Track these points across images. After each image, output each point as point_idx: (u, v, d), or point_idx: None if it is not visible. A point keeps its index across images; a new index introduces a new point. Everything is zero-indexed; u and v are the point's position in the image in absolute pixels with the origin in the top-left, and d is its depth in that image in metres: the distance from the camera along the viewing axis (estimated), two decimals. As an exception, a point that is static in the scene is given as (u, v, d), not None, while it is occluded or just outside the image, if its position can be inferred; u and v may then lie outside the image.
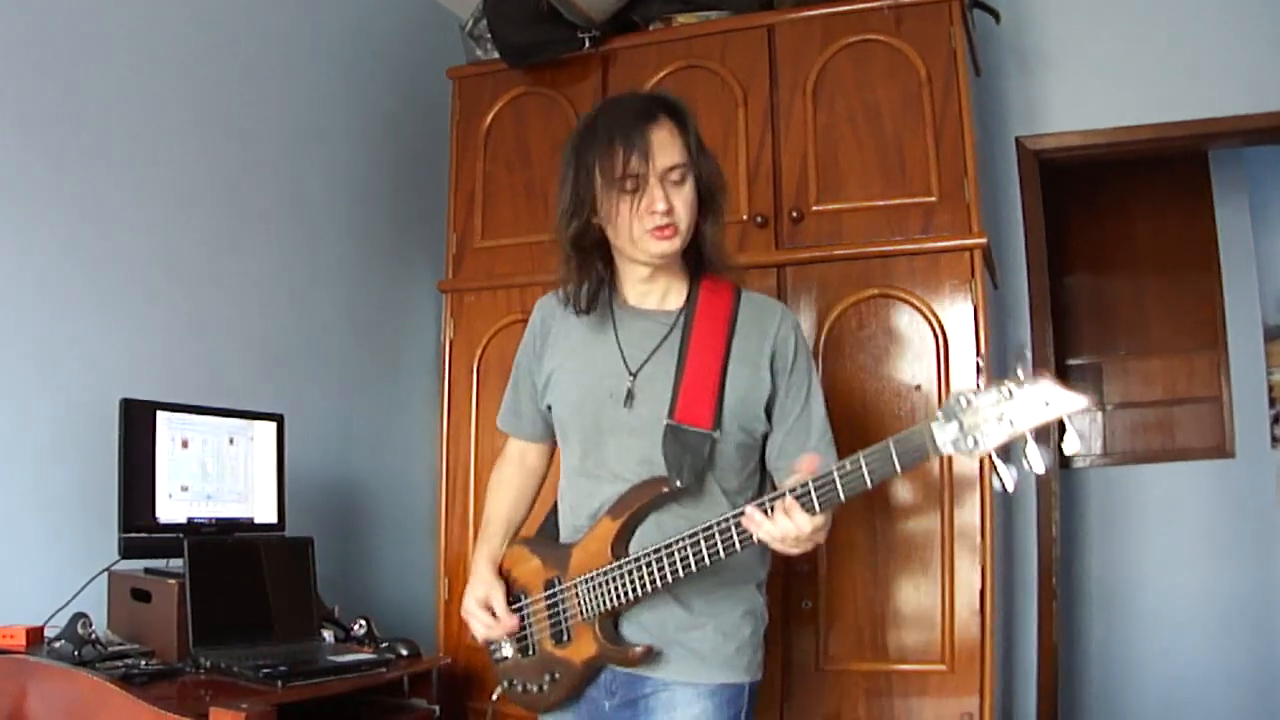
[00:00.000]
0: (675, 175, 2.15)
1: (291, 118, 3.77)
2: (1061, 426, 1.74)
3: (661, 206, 2.12)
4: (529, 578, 2.35)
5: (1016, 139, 4.20)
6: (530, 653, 2.33)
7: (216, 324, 3.40)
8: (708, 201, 2.23)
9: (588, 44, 3.64)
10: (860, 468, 1.89)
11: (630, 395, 2.21)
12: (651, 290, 2.29)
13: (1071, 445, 1.74)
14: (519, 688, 2.36)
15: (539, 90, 3.76)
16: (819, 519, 1.95)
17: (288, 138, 3.75)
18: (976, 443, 1.76)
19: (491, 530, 2.48)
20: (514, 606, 2.35)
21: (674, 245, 2.17)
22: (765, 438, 2.29)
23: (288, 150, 3.75)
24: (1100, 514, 5.22)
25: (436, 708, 3.03)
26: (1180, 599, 5.01)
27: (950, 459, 3.09)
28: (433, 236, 4.07)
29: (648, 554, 2.10)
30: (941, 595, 3.09)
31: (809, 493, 1.93)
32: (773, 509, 1.96)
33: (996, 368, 3.39)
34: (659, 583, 2.09)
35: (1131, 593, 5.10)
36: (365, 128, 4.13)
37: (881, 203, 3.28)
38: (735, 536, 2.02)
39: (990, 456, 1.78)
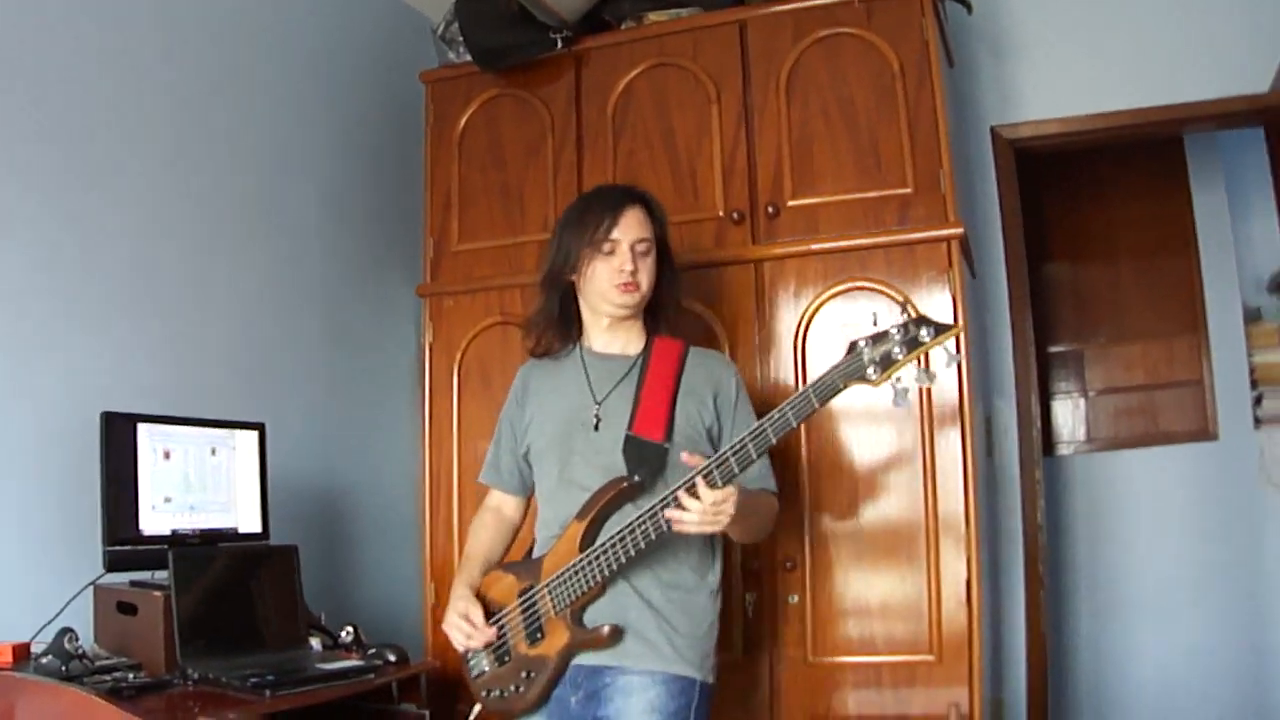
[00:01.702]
0: (642, 247, 2.64)
1: (266, 125, 3.77)
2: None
3: (629, 268, 2.61)
4: (503, 594, 2.62)
5: (992, 128, 4.22)
6: (506, 660, 2.59)
7: (195, 334, 3.39)
8: (669, 277, 2.74)
9: (560, 44, 3.64)
10: (745, 444, 2.27)
11: (598, 420, 2.61)
12: (614, 340, 2.72)
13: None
14: (498, 694, 2.61)
15: (512, 92, 3.76)
16: (720, 492, 2.27)
17: (262, 145, 3.74)
18: (874, 373, 2.18)
19: (470, 563, 2.75)
20: (493, 622, 2.60)
21: (635, 298, 2.64)
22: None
23: (263, 158, 3.74)
24: (1085, 500, 5.23)
25: (426, 713, 3.03)
26: (1167, 583, 5.02)
27: (933, 454, 3.13)
28: (409, 241, 4.07)
29: (607, 541, 2.41)
30: (928, 586, 3.10)
31: (711, 470, 2.27)
32: (676, 500, 2.29)
33: (978, 368, 3.40)
34: (620, 562, 2.40)
35: (1118, 578, 5.11)
36: (339, 133, 4.13)
37: (857, 195, 3.29)
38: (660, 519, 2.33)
39: (887, 381, 2.19)
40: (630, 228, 2.63)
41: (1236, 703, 4.73)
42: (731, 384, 2.68)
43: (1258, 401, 5.10)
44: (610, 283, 2.62)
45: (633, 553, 2.38)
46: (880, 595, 3.15)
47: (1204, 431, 5.19)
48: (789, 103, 3.40)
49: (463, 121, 3.81)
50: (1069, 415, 5.35)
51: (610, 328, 2.71)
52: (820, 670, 3.18)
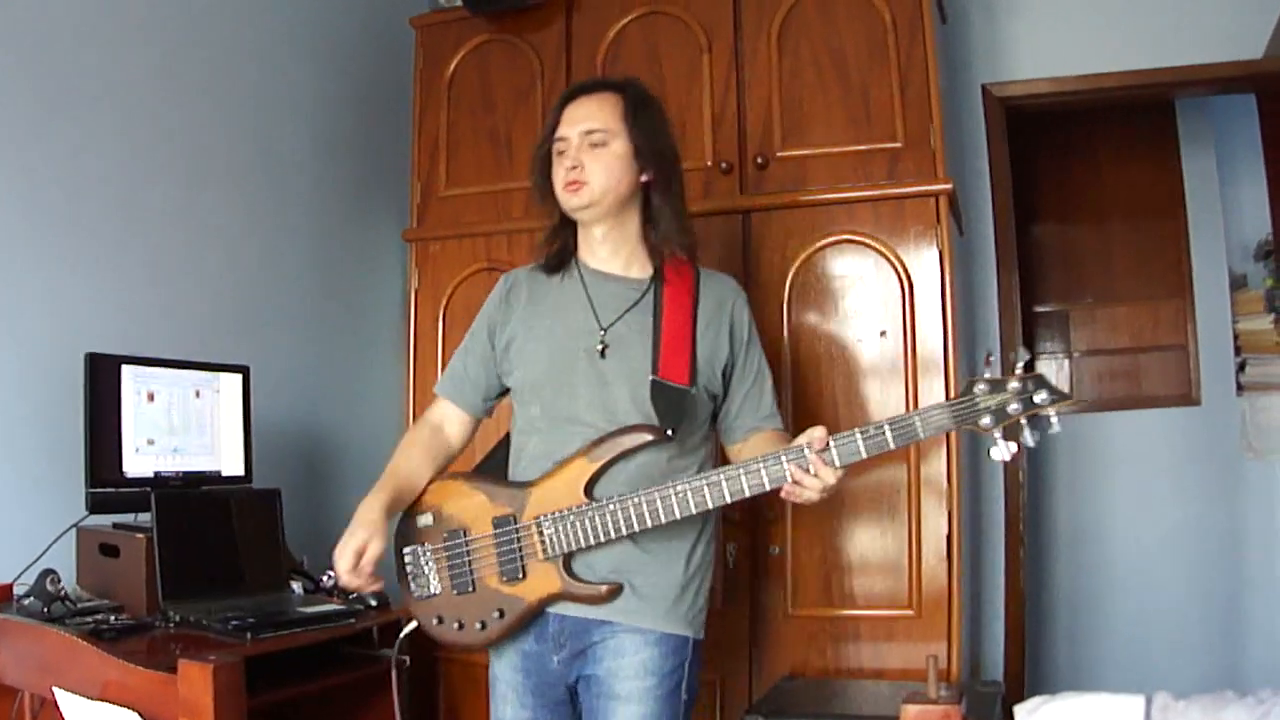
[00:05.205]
0: (594, 138, 2.38)
1: (254, 68, 3.74)
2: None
3: (569, 164, 2.38)
4: (471, 514, 2.40)
5: (983, 86, 4.20)
6: (469, 590, 2.37)
7: (181, 276, 3.38)
8: (655, 174, 2.44)
9: (551, -10, 3.62)
10: (884, 432, 2.16)
11: (605, 349, 2.37)
12: (614, 256, 2.47)
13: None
14: (453, 624, 2.39)
15: (502, 38, 3.73)
16: (840, 473, 2.19)
17: (250, 88, 3.72)
18: (989, 423, 2.11)
19: (393, 482, 2.46)
20: (452, 543, 2.39)
21: (581, 200, 2.38)
22: (714, 399, 2.49)
23: (251, 101, 3.72)
24: (1067, 461, 5.25)
25: (406, 658, 3.03)
26: (1147, 544, 5.05)
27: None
28: (397, 186, 4.05)
29: (637, 495, 2.23)
30: (909, 541, 3.12)
31: (830, 448, 2.17)
32: (808, 468, 2.18)
33: (963, 325, 3.41)
34: (646, 523, 2.23)
35: (1099, 538, 5.14)
36: (328, 77, 4.10)
37: (847, 148, 3.28)
38: (745, 485, 2.22)
39: (994, 432, 2.10)
40: (578, 118, 2.41)
41: (1211, 662, 4.77)
42: (744, 314, 2.51)
43: (1241, 368, 5.12)
44: (560, 183, 2.41)
45: (663, 519, 2.23)
46: (861, 550, 3.17)
47: (1187, 396, 5.21)
48: (780, 53, 3.39)
49: (452, 66, 3.78)
50: (1053, 376, 5.33)
51: (603, 241, 2.47)
52: (800, 622, 3.20)
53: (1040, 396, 2.08)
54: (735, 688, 3.24)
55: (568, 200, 2.40)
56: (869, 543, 3.16)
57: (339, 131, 4.14)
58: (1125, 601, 5.05)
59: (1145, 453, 5.21)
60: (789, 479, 2.19)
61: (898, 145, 3.23)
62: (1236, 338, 5.15)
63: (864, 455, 2.16)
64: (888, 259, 3.18)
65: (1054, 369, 5.38)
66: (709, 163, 3.39)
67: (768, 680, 3.17)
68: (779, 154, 3.34)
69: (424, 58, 3.85)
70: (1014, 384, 2.09)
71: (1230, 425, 5.09)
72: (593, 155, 2.38)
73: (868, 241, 3.21)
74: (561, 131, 2.42)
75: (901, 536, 3.13)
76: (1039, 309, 5.38)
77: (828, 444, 2.17)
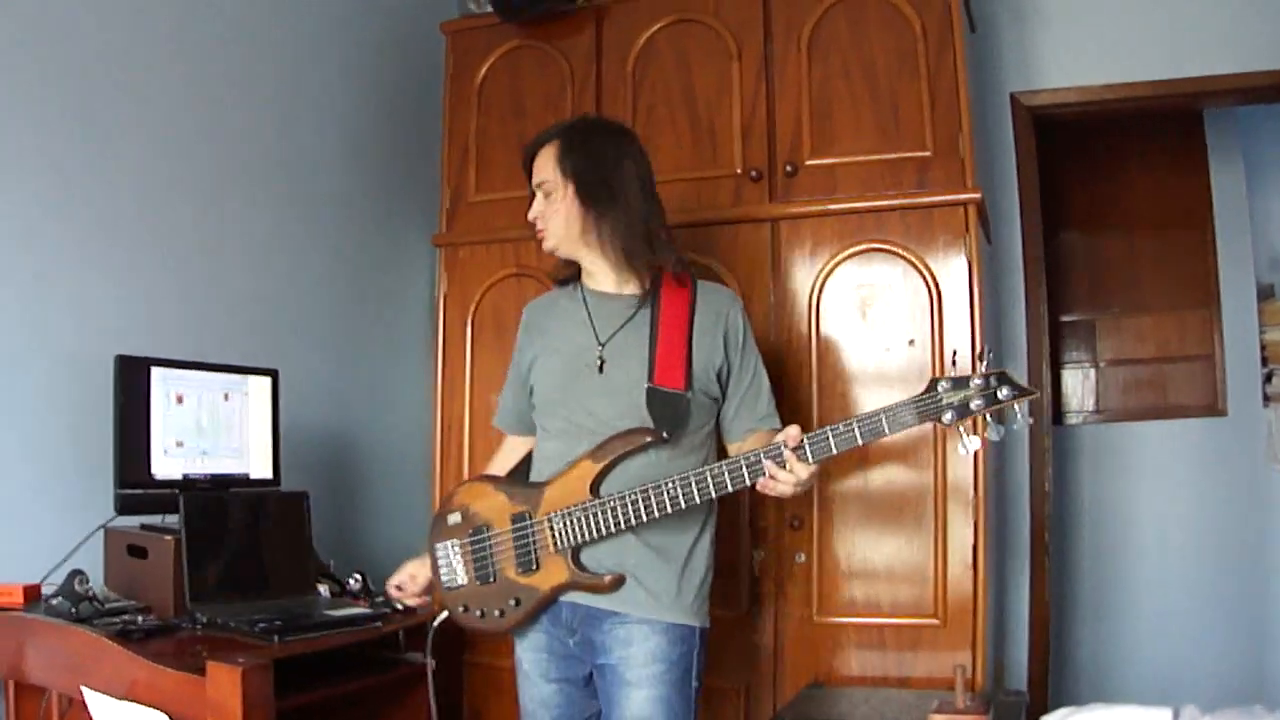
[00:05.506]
0: (544, 189, 2.61)
1: (284, 72, 3.76)
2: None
3: (530, 215, 2.64)
4: (494, 512, 2.57)
5: (1012, 95, 4.19)
6: (490, 580, 2.54)
7: (211, 279, 3.40)
8: (589, 208, 2.58)
9: (581, -3, 3.62)
10: (853, 428, 2.28)
11: (602, 362, 2.55)
12: (606, 278, 2.64)
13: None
14: (476, 612, 2.57)
15: (533, 44, 3.74)
16: (813, 468, 2.31)
17: (280, 92, 3.74)
18: (951, 418, 2.22)
19: None
20: (476, 538, 2.56)
21: (548, 245, 2.65)
22: (714, 402, 2.61)
23: (281, 105, 3.73)
24: (1093, 470, 5.23)
25: (432, 661, 3.04)
26: (1172, 555, 5.03)
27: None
28: (427, 191, 4.06)
29: (633, 492, 2.39)
30: (934, 550, 3.11)
31: (803, 445, 2.29)
32: (783, 463, 2.30)
33: (989, 329, 3.40)
34: (642, 517, 2.38)
35: (1124, 547, 5.12)
36: (358, 82, 4.12)
37: (876, 157, 3.27)
38: (727, 479, 2.35)
39: (958, 427, 2.23)
40: (534, 172, 2.65)
41: (1235, 674, 4.74)
42: (739, 321, 2.63)
43: (1268, 379, 5.10)
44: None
45: (676, 507, 2.37)
46: (886, 557, 3.16)
47: (1213, 407, 5.19)
48: (810, 62, 3.38)
49: (482, 72, 3.78)
50: (1079, 385, 5.35)
51: (593, 266, 2.65)
52: (824, 630, 3.19)
53: (1003, 392, 2.20)
54: (760, 695, 3.23)
55: (541, 245, 2.66)
56: (895, 551, 3.15)
57: (369, 136, 4.15)
58: (1150, 612, 5.03)
59: (1171, 463, 5.19)
60: (766, 473, 2.32)
61: (927, 154, 3.23)
62: (1263, 348, 5.13)
63: (835, 451, 2.28)
64: (916, 268, 3.18)
65: (1080, 378, 5.37)
66: (738, 170, 3.39)
67: (793, 688, 3.16)
68: (808, 162, 3.33)
69: (454, 63, 3.85)
70: (977, 381, 2.21)
71: (1256, 436, 5.07)
72: (547, 205, 2.62)
73: (896, 250, 3.20)
74: (532, 186, 2.65)
75: (927, 545, 3.12)
76: (1065, 318, 5.37)
77: (801, 441, 2.29)
